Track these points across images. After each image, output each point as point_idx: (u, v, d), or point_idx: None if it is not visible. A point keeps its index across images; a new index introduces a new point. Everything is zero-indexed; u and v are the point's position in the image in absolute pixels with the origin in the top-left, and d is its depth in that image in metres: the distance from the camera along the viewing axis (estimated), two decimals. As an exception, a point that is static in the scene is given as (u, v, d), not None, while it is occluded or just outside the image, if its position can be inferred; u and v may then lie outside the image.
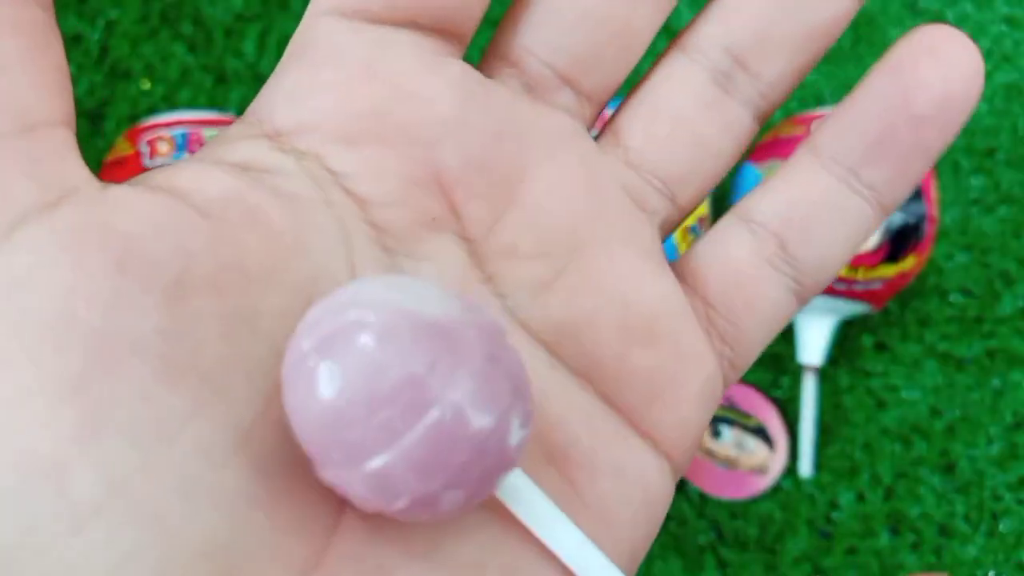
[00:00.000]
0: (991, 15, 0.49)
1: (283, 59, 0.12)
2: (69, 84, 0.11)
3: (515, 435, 0.10)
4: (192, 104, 0.44)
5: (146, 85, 0.44)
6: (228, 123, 0.35)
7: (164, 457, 0.09)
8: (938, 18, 0.49)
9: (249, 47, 0.45)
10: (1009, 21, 0.49)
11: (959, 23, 0.49)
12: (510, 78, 0.13)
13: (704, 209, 0.37)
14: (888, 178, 0.13)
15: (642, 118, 0.14)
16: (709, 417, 0.13)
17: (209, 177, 0.11)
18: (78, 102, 0.44)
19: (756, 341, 0.14)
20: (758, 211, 0.14)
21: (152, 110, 0.44)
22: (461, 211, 0.12)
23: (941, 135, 0.13)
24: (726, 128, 0.14)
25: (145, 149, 0.34)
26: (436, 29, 0.12)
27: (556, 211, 0.13)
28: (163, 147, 0.34)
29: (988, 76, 0.48)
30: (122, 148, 0.35)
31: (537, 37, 0.13)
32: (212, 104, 0.44)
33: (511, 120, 0.13)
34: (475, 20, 0.13)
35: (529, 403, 0.11)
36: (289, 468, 0.10)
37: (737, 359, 0.14)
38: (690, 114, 0.13)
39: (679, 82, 0.13)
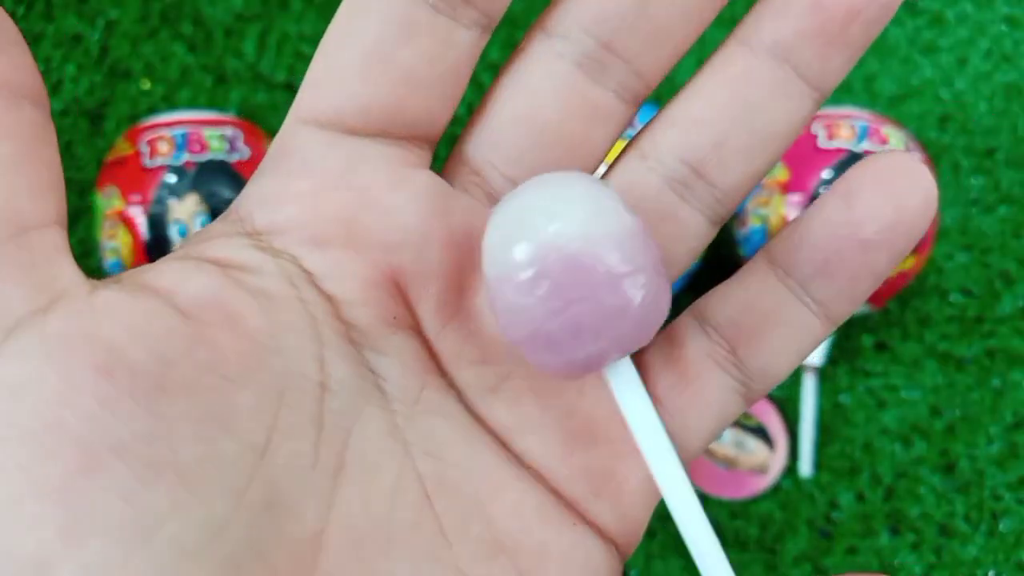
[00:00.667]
0: (991, 15, 0.49)
1: (263, 162, 0.13)
2: (61, 179, 0.12)
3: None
4: (192, 104, 0.44)
5: (146, 85, 0.44)
6: (228, 123, 0.35)
7: (142, 553, 0.10)
8: (938, 18, 0.49)
9: (249, 47, 0.45)
10: (1009, 21, 0.49)
11: (959, 23, 0.49)
12: (473, 186, 0.14)
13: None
14: (836, 295, 0.13)
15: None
16: (651, 508, 0.14)
17: (190, 277, 0.12)
18: (78, 102, 0.44)
19: (701, 438, 0.14)
20: (712, 313, 0.14)
21: (152, 110, 0.44)
22: (417, 312, 0.13)
23: (889, 258, 0.13)
24: (681, 237, 0.14)
25: (145, 149, 0.34)
26: (406, 137, 0.13)
27: None
28: (163, 147, 0.34)
29: (988, 76, 0.48)
30: (122, 148, 0.35)
31: (498, 151, 0.14)
32: (212, 104, 0.44)
33: (468, 230, 0.13)
34: (441, 127, 0.13)
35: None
36: (258, 559, 0.11)
37: (682, 453, 0.14)
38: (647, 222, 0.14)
39: (637, 188, 0.14)
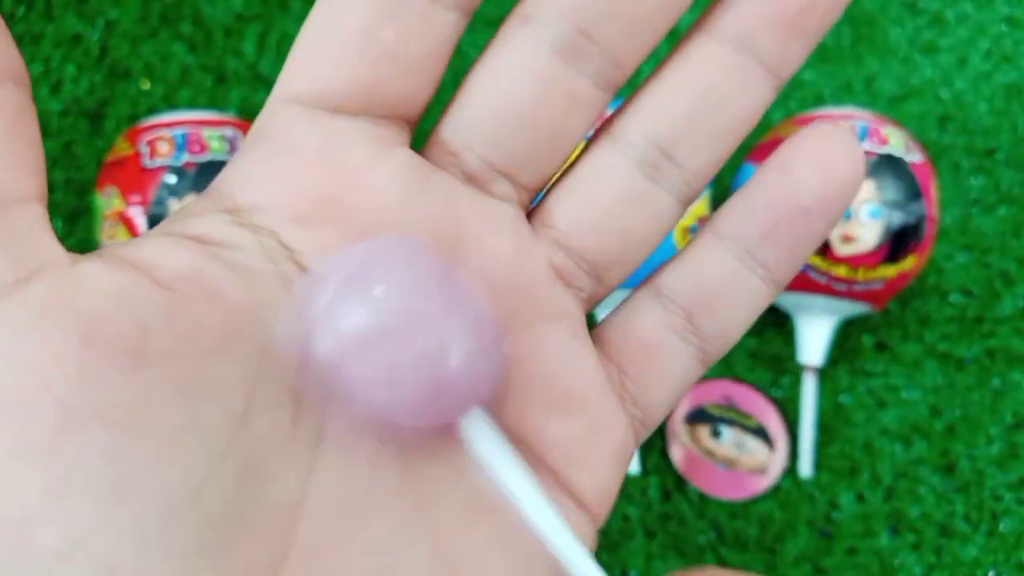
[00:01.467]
0: (991, 15, 0.49)
1: (247, 140, 0.14)
2: (42, 158, 0.12)
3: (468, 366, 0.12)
4: (192, 104, 0.44)
5: (146, 85, 0.44)
6: (228, 123, 0.35)
7: (122, 513, 0.10)
8: (938, 18, 0.49)
9: (249, 47, 0.45)
10: (1009, 21, 0.49)
11: (959, 23, 0.49)
12: (451, 166, 0.14)
13: (704, 208, 0.37)
14: (780, 259, 0.15)
15: (575, 205, 0.15)
16: (622, 476, 0.15)
17: (170, 252, 0.12)
18: (78, 102, 0.44)
19: (664, 403, 0.15)
20: (667, 286, 0.15)
21: (152, 110, 0.44)
22: None
23: (826, 223, 0.14)
24: (652, 217, 0.15)
25: (145, 149, 0.34)
26: (387, 116, 0.14)
27: (486, 292, 0.14)
28: (163, 147, 0.34)
29: (988, 76, 0.48)
30: (122, 148, 0.35)
31: (476, 135, 0.14)
32: (212, 104, 0.44)
33: (449, 207, 0.14)
34: (421, 107, 0.14)
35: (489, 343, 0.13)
36: (236, 522, 0.11)
37: (647, 419, 0.15)
38: (619, 203, 0.14)
39: (609, 170, 0.14)
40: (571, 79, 0.14)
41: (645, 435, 0.15)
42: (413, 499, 0.13)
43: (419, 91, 0.14)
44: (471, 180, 0.14)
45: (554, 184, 0.15)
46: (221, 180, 0.14)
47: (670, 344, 0.15)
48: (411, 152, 0.14)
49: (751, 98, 0.14)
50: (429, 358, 0.12)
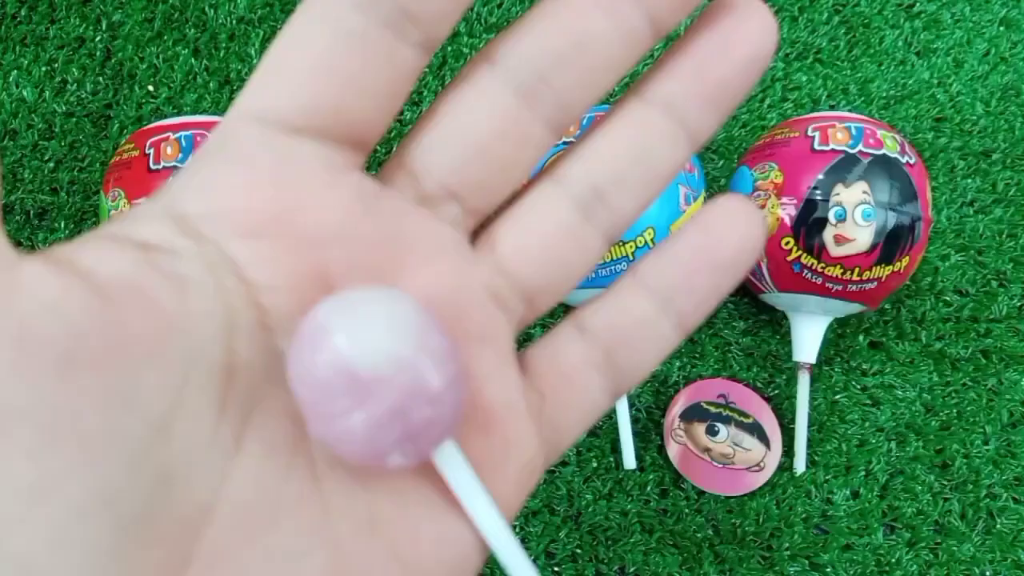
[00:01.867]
0: (988, 16, 0.49)
1: (200, 151, 0.14)
2: None
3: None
4: (197, 108, 0.44)
5: (151, 88, 0.45)
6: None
7: (39, 511, 0.11)
8: (935, 20, 0.49)
9: (253, 51, 0.45)
10: (1005, 23, 0.49)
11: (956, 25, 0.49)
12: (406, 187, 0.15)
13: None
14: (691, 310, 0.16)
15: (518, 233, 0.16)
16: (526, 494, 0.16)
17: (110, 257, 0.13)
18: (83, 104, 0.44)
19: (575, 430, 0.17)
20: (590, 323, 0.17)
21: (157, 113, 0.44)
22: None
23: (732, 280, 0.16)
24: (583, 251, 0.16)
25: (151, 152, 0.35)
26: (342, 141, 0.14)
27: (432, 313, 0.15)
28: (169, 150, 0.35)
29: (984, 78, 0.48)
30: (128, 150, 0.36)
31: (436, 160, 0.15)
32: (217, 108, 0.44)
33: (395, 230, 0.15)
34: (377, 135, 0.15)
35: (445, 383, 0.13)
36: (148, 527, 0.12)
37: (559, 443, 0.16)
38: (557, 236, 0.16)
39: (551, 206, 0.16)
40: (527, 120, 0.15)
41: (554, 459, 0.17)
42: (319, 508, 0.14)
43: (376, 120, 0.14)
44: (424, 200, 0.15)
45: (500, 212, 0.16)
46: (172, 186, 0.14)
47: (588, 377, 0.16)
48: (362, 175, 0.15)
49: (673, 156, 0.16)
50: (401, 414, 0.13)
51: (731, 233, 0.16)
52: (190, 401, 0.12)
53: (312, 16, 0.14)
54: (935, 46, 0.49)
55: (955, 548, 0.39)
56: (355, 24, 0.13)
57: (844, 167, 0.36)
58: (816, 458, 0.41)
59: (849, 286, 0.36)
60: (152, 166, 0.34)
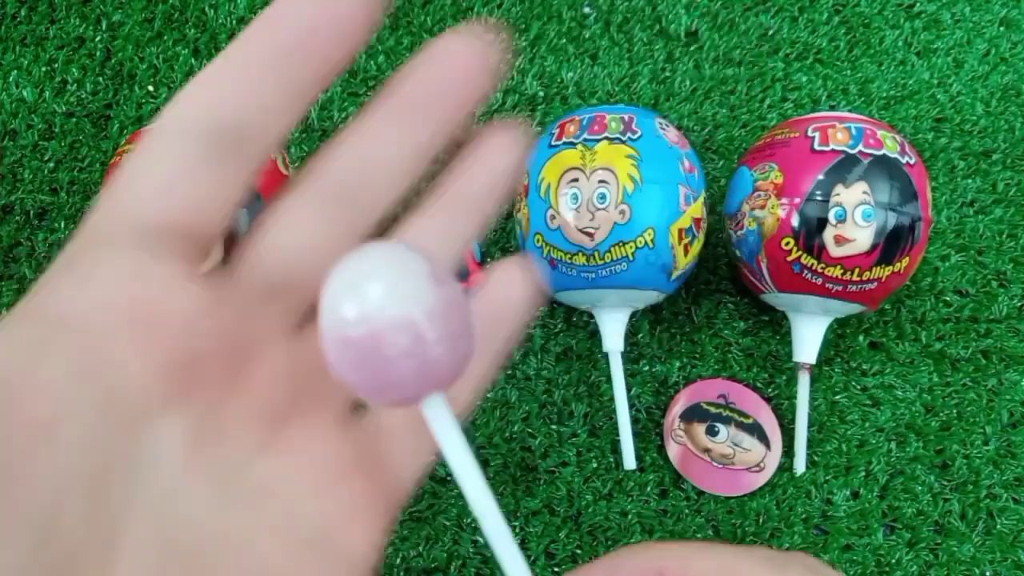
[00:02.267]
0: (988, 16, 0.49)
1: (66, 253, 0.15)
2: None
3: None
4: (196, 106, 0.44)
5: (151, 88, 0.45)
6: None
7: None
8: (935, 20, 0.49)
9: (252, 50, 0.45)
10: (1005, 23, 0.49)
11: (956, 25, 0.49)
12: (246, 277, 0.17)
13: (699, 210, 0.38)
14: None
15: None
16: (384, 540, 0.17)
17: None
18: (83, 104, 0.44)
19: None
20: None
21: (157, 113, 0.44)
22: (198, 390, 0.16)
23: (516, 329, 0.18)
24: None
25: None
26: (199, 242, 0.16)
27: (271, 393, 0.17)
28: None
29: (985, 77, 0.48)
30: (128, 151, 0.36)
31: (269, 266, 0.17)
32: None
33: (239, 322, 0.16)
34: (216, 231, 0.17)
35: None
36: None
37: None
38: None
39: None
40: (340, 222, 0.17)
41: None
42: None
43: (217, 219, 0.16)
44: (268, 291, 0.17)
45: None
46: (40, 289, 0.15)
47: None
48: (215, 270, 0.16)
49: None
50: (399, 351, 0.14)
51: (511, 291, 0.18)
52: (70, 500, 0.13)
53: (165, 137, 0.16)
54: (935, 46, 0.49)
55: (955, 548, 0.39)
56: (196, 151, 0.16)
57: (844, 167, 0.36)
58: (816, 458, 0.41)
59: (849, 286, 0.36)
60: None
